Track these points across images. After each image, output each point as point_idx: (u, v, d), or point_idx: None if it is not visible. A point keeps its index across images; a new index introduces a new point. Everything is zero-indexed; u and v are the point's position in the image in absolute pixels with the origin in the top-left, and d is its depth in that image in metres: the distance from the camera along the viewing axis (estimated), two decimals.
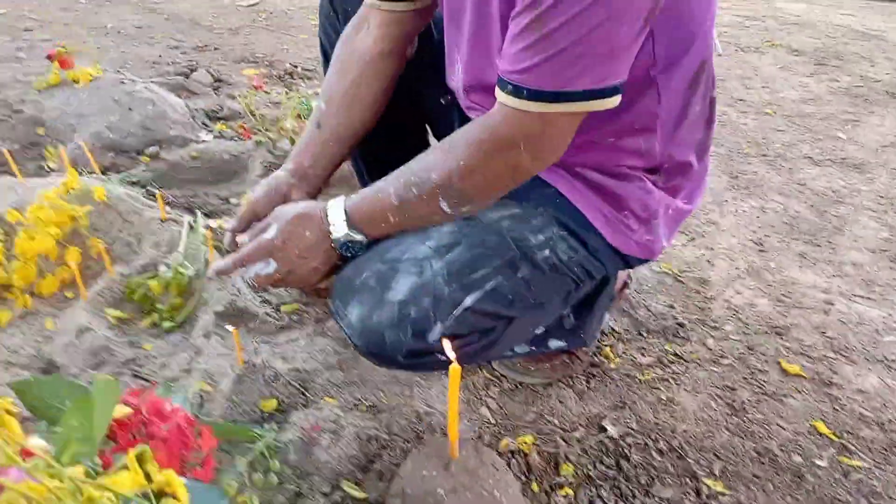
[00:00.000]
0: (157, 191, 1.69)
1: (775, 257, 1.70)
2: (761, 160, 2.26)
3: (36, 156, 1.94)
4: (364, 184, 1.38)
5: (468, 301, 0.92)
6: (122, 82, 2.12)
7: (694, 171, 1.02)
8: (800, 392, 1.25)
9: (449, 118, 1.21)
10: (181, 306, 1.33)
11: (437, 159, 0.91)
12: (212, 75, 2.55)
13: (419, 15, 1.10)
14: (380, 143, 1.26)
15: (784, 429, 1.16)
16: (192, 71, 2.56)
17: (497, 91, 0.85)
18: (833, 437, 1.15)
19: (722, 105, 2.72)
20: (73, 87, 2.11)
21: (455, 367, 0.81)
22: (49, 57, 2.15)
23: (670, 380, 1.25)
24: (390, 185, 0.93)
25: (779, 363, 1.31)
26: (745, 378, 1.27)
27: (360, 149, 1.27)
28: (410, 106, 1.26)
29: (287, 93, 2.29)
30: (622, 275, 1.38)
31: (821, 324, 1.45)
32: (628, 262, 1.05)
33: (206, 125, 2.18)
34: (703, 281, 1.57)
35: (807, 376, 1.29)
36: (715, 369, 1.29)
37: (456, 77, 1.05)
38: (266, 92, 2.35)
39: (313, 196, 1.11)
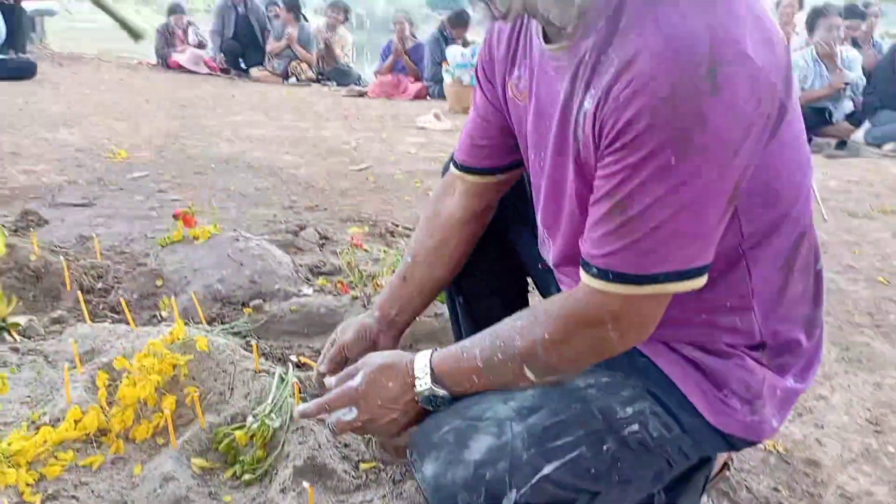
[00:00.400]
0: (254, 342, 1.76)
1: (893, 440, 1.54)
2: (875, 332, 2.12)
3: (151, 305, 2.09)
4: (458, 329, 1.40)
5: (547, 469, 0.88)
6: (237, 239, 2.29)
7: (803, 348, 0.97)
8: None
9: (546, 279, 1.23)
10: (263, 458, 1.34)
11: (523, 326, 0.92)
12: (319, 233, 2.72)
13: (502, 185, 1.17)
14: (481, 290, 1.32)
15: None
16: (301, 229, 2.74)
17: (581, 272, 0.86)
18: None
19: (829, 272, 2.61)
20: (192, 243, 2.29)
21: None
22: (175, 216, 2.37)
23: None
24: (476, 346, 0.95)
25: None
26: None
27: (462, 296, 1.31)
28: (511, 260, 1.30)
29: (386, 250, 2.40)
30: (723, 455, 1.29)
31: None
32: (732, 443, 0.98)
33: (308, 280, 2.29)
34: (813, 463, 1.44)
35: None
36: None
37: (545, 250, 1.08)
38: (366, 250, 2.47)
39: (398, 339, 1.24)
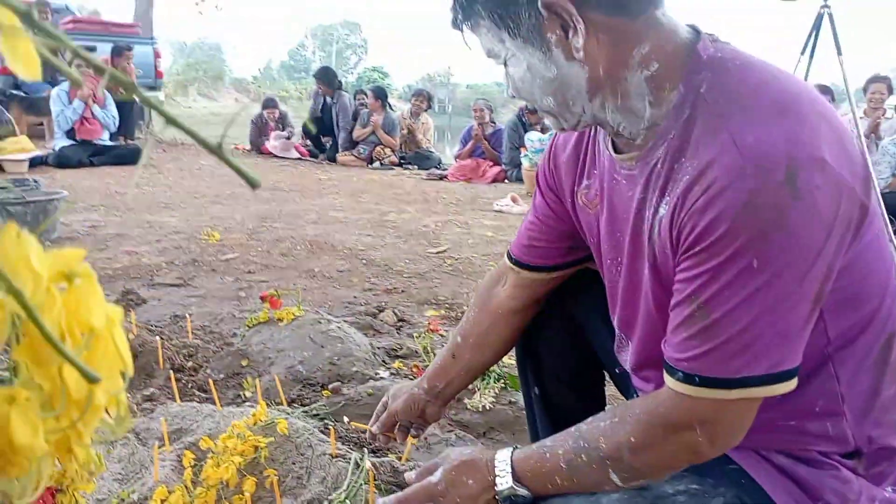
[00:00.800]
0: (332, 425, 1.80)
1: None
2: None
3: (236, 385, 2.17)
4: (532, 418, 1.40)
5: None
6: (319, 322, 2.37)
7: None
8: None
9: (625, 380, 1.23)
10: None
11: (607, 428, 0.91)
12: (396, 315, 2.78)
13: (552, 282, 1.20)
14: (558, 383, 1.33)
15: None
16: (379, 311, 2.81)
17: (666, 376, 0.86)
18: None
19: None
20: (277, 324, 2.39)
21: None
22: (262, 298, 2.49)
23: None
24: (559, 447, 0.95)
25: None
26: None
27: (538, 387, 1.34)
28: (588, 356, 1.31)
29: None
30: None
31: None
32: None
33: (385, 363, 2.33)
34: None
35: None
36: None
37: (623, 352, 1.09)
38: (442, 334, 2.51)
39: (444, 409, 1.36)
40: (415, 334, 2.56)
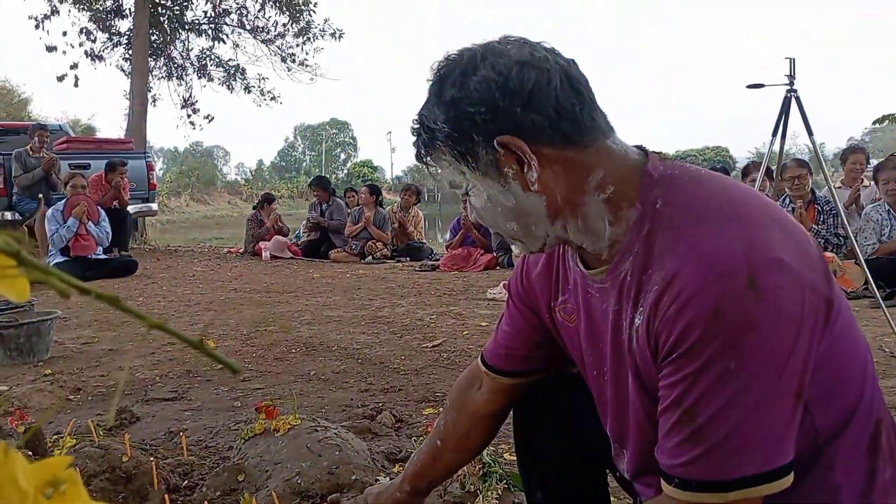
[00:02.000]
0: None
1: None
2: None
3: (233, 502, 2.12)
4: None
5: None
6: (316, 429, 2.34)
7: None
8: None
9: (627, 485, 1.22)
10: None
11: None
12: (394, 416, 2.75)
13: (527, 385, 1.22)
14: (562, 490, 1.32)
15: None
16: (377, 413, 2.78)
17: (664, 484, 0.87)
18: None
19: None
20: (273, 435, 2.36)
21: None
22: (257, 409, 2.46)
23: None
24: None
25: None
26: None
27: (543, 496, 1.33)
28: (590, 458, 1.30)
29: None
30: None
31: None
32: None
33: (384, 468, 2.29)
34: None
35: None
36: None
37: (620, 461, 1.09)
38: None
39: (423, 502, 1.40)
40: (414, 436, 2.52)
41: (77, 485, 0.35)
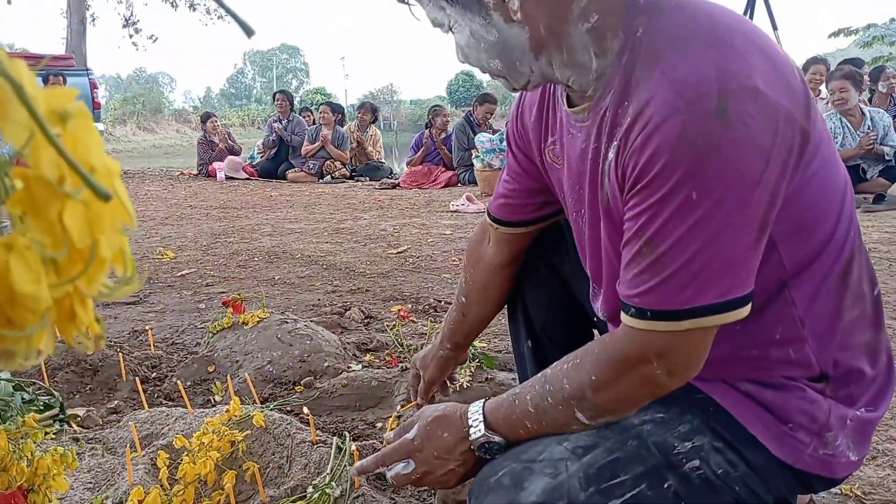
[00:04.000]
0: (309, 414, 1.76)
1: None
2: None
3: (204, 391, 2.11)
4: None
5: None
6: (285, 322, 2.33)
7: (869, 376, 0.94)
8: None
9: (603, 329, 1.24)
10: None
11: (569, 370, 0.92)
12: (363, 313, 2.75)
13: (530, 235, 1.24)
14: (551, 340, 1.36)
15: None
16: (346, 310, 2.77)
17: (621, 314, 0.87)
18: None
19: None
20: (242, 328, 2.34)
21: None
22: (224, 303, 2.43)
23: None
24: (527, 392, 0.95)
25: None
26: None
27: (532, 345, 1.38)
28: (578, 311, 1.33)
29: (432, 324, 2.42)
30: (803, 498, 1.24)
31: None
32: (808, 483, 0.94)
33: (356, 356, 2.30)
34: None
35: None
36: None
37: (596, 303, 1.10)
38: (413, 321, 2.49)
39: (465, 354, 1.48)
40: (384, 330, 2.53)
41: (87, 119, 0.32)
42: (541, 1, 0.85)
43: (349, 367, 2.19)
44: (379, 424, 1.82)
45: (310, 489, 1.38)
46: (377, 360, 2.26)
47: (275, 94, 9.69)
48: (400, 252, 3.98)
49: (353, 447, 1.49)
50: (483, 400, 1.00)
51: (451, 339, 1.42)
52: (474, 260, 1.34)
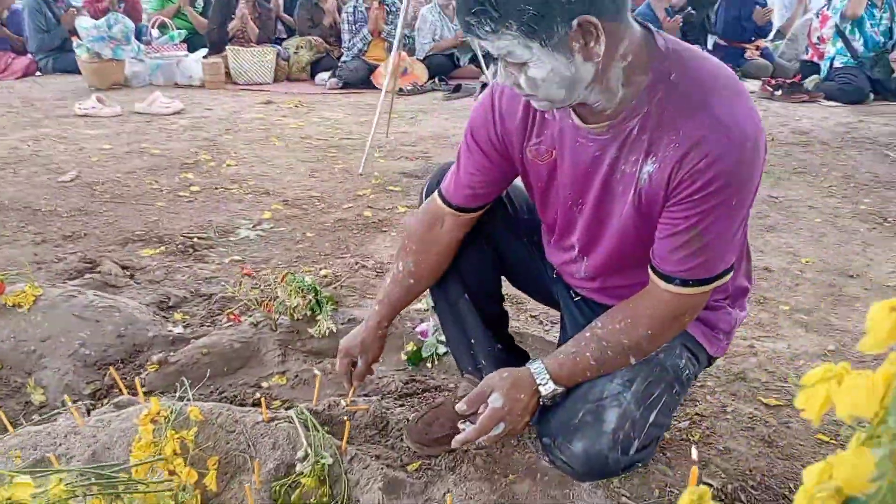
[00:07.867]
0: (261, 394, 1.73)
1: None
2: None
3: (13, 392, 1.82)
4: (463, 330, 1.60)
5: (652, 417, 1.27)
6: (73, 295, 2.06)
7: (749, 291, 1.48)
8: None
9: (551, 285, 1.58)
10: (329, 494, 1.45)
11: (624, 329, 1.26)
12: (117, 263, 2.50)
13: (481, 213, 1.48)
14: (485, 293, 1.59)
15: None
16: (94, 265, 2.48)
17: (661, 282, 1.23)
18: None
19: None
20: (17, 312, 1.99)
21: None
22: None
23: None
24: (586, 350, 1.28)
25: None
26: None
27: (470, 298, 1.57)
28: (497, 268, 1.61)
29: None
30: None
31: None
32: (711, 362, 1.48)
33: (167, 318, 2.18)
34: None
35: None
36: None
37: (575, 266, 1.42)
38: (253, 275, 2.41)
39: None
40: (154, 280, 2.38)
41: None
42: (609, 46, 1.10)
43: (171, 332, 2.08)
44: (265, 384, 1.88)
45: (299, 466, 1.46)
46: (190, 318, 2.18)
47: None
48: (74, 180, 3.48)
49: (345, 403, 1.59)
50: (540, 361, 1.29)
51: (388, 317, 1.56)
52: (427, 244, 1.48)
